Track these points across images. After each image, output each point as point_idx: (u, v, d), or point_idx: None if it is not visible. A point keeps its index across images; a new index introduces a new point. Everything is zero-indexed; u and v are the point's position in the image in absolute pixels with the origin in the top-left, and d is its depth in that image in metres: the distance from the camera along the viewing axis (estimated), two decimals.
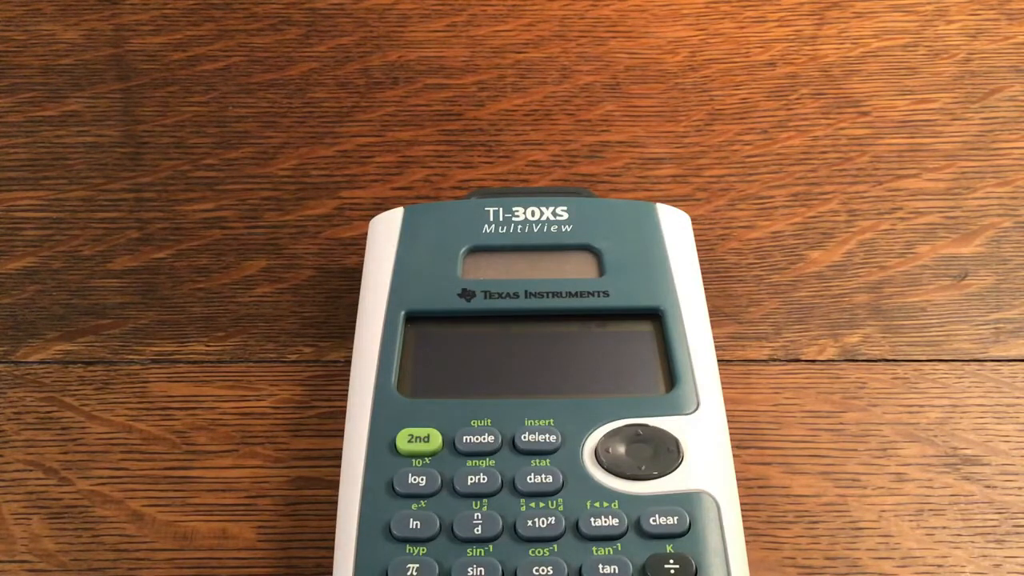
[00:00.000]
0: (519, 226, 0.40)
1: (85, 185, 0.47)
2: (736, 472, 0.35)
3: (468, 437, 0.34)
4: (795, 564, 0.36)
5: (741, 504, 0.34)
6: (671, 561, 0.32)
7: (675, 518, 0.32)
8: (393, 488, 0.33)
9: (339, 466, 0.35)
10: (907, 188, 0.47)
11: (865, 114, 0.49)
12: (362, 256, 0.41)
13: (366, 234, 0.42)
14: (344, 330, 0.41)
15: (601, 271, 0.39)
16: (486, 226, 0.40)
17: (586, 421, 0.35)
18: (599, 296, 0.38)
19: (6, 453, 0.39)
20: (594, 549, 0.32)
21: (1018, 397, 0.40)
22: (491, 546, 0.32)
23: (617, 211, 0.41)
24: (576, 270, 0.39)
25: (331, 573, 0.32)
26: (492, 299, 0.38)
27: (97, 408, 0.40)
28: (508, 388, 0.36)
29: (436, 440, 0.34)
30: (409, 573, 0.32)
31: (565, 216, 0.41)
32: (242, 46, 0.52)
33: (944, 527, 0.37)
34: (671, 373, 0.36)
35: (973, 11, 0.53)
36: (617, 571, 0.31)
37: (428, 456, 0.34)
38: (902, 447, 0.39)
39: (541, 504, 0.33)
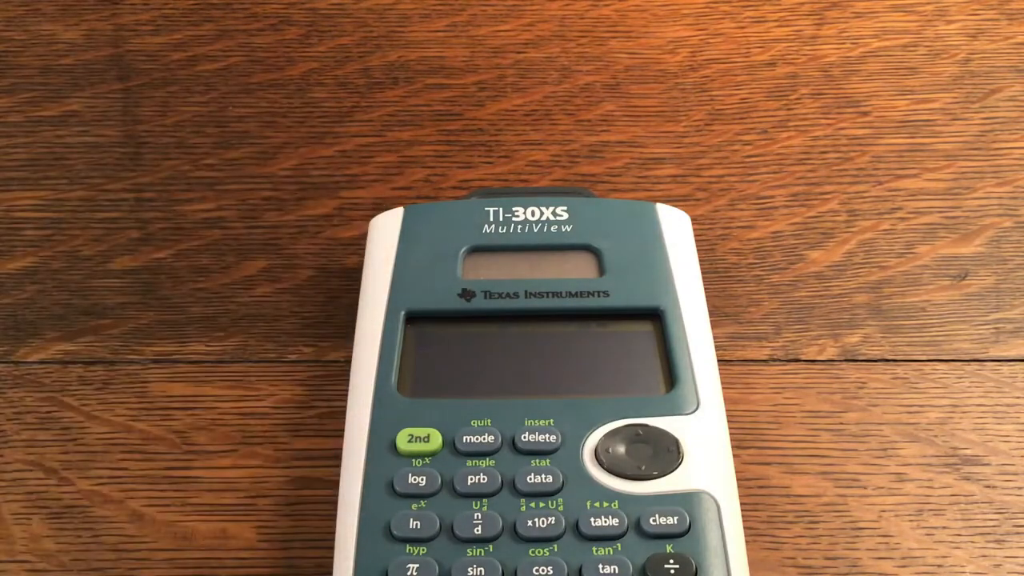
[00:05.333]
0: (519, 226, 0.40)
1: (85, 185, 0.47)
2: (736, 472, 0.35)
3: (468, 437, 0.34)
4: (795, 564, 0.36)
5: (741, 504, 0.34)
6: (671, 561, 0.32)
7: (675, 518, 0.32)
8: (393, 488, 0.33)
9: (339, 466, 0.35)
10: (907, 188, 0.47)
11: (865, 114, 0.49)
12: (362, 256, 0.41)
13: (366, 234, 0.42)
14: (344, 330, 0.41)
15: (601, 271, 0.39)
16: (486, 226, 0.40)
17: (586, 421, 0.35)
18: (599, 296, 0.38)
19: (6, 453, 0.39)
20: (594, 549, 0.32)
21: (1018, 397, 0.40)
22: (491, 546, 0.32)
23: (617, 211, 0.41)
24: (576, 270, 0.39)
25: (331, 573, 0.32)
26: (492, 299, 0.38)
27: (97, 408, 0.40)
28: (508, 388, 0.36)
29: (436, 440, 0.34)
30: (409, 573, 0.32)
31: (565, 216, 0.41)
32: (242, 46, 0.52)
33: (944, 527, 0.37)
34: (671, 373, 0.36)
35: (973, 11, 0.53)
36: (617, 571, 0.31)
37: (428, 456, 0.34)
38: (902, 447, 0.39)
39: (541, 504, 0.33)
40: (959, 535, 0.37)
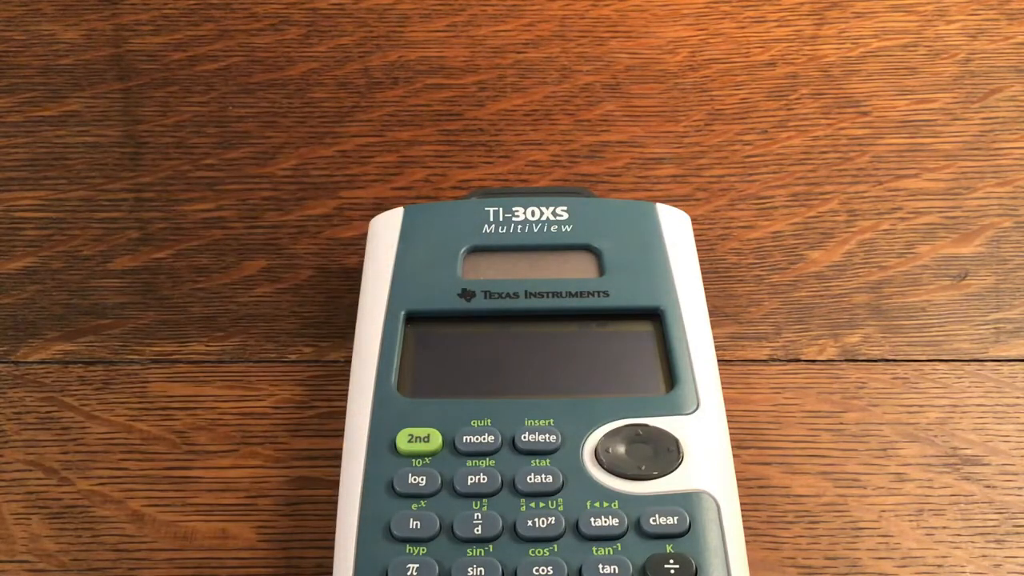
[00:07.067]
0: (519, 226, 0.40)
1: (85, 185, 0.47)
2: (736, 472, 0.35)
3: (468, 437, 0.34)
4: (795, 564, 0.36)
5: (741, 504, 0.34)
6: (671, 561, 0.32)
7: (675, 518, 0.32)
8: (393, 488, 0.33)
9: (339, 466, 0.35)
10: (907, 188, 0.47)
11: (865, 114, 0.49)
12: (362, 256, 0.41)
13: (366, 234, 0.42)
14: (344, 330, 0.41)
15: (601, 271, 0.39)
16: (486, 226, 0.40)
17: (586, 421, 0.35)
18: (599, 296, 0.38)
19: (6, 453, 0.39)
20: (594, 549, 0.32)
21: (1018, 397, 0.40)
22: (491, 546, 0.32)
23: (617, 211, 0.41)
24: (576, 270, 0.39)
25: (331, 573, 0.32)
26: (492, 299, 0.38)
27: (97, 408, 0.40)
28: (508, 388, 0.36)
29: (436, 440, 0.34)
30: (409, 573, 0.32)
31: (565, 216, 0.41)
32: (242, 46, 0.52)
33: (944, 527, 0.37)
34: (671, 373, 0.36)
35: (973, 11, 0.53)
36: (617, 571, 0.31)
37: (428, 456, 0.34)
38: (902, 447, 0.39)
39: (541, 504, 0.33)
40: (959, 535, 0.37)
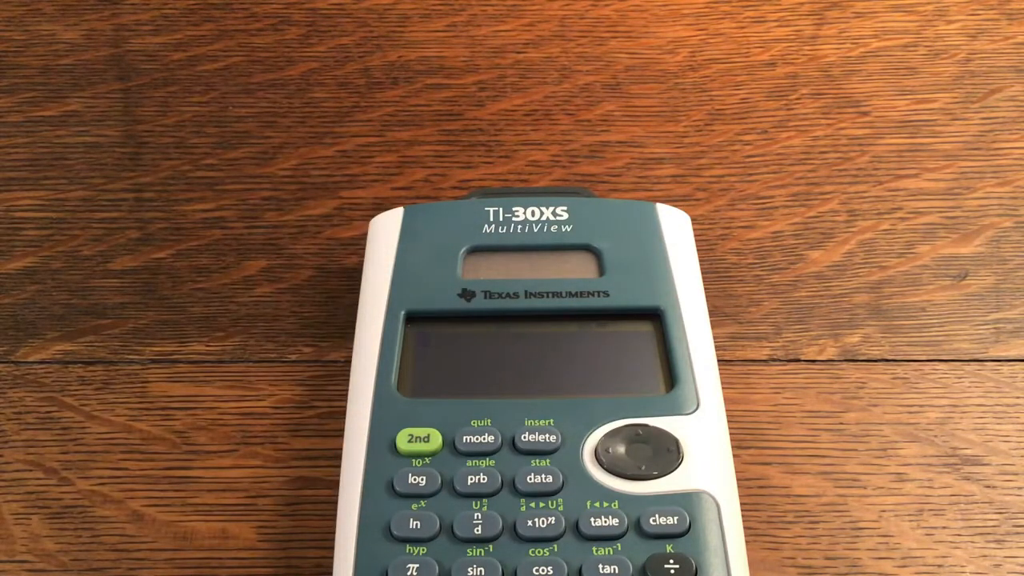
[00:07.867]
0: (519, 226, 0.40)
1: (85, 185, 0.47)
2: (736, 472, 0.35)
3: (468, 437, 0.34)
4: (795, 564, 0.36)
5: (741, 504, 0.34)
6: (671, 561, 0.32)
7: (675, 518, 0.32)
8: (393, 488, 0.33)
9: (339, 466, 0.35)
10: (907, 188, 0.47)
11: (865, 114, 0.49)
12: (362, 256, 0.41)
13: (366, 234, 0.42)
14: (344, 330, 0.41)
15: (601, 271, 0.39)
16: (486, 226, 0.40)
17: (586, 421, 0.35)
18: (599, 296, 0.38)
19: (6, 453, 0.39)
20: (594, 549, 0.32)
21: (1018, 397, 0.40)
22: (491, 546, 0.32)
23: (617, 211, 0.41)
24: (576, 270, 0.39)
25: (331, 573, 0.32)
26: (492, 299, 0.38)
27: (97, 408, 0.40)
28: (508, 388, 0.36)
29: (436, 440, 0.34)
30: (409, 573, 0.32)
31: (565, 216, 0.41)
32: (242, 46, 0.52)
33: (944, 527, 0.37)
34: (671, 373, 0.36)
35: (973, 11, 0.53)
36: (617, 571, 0.31)
37: (428, 456, 0.34)
38: (902, 447, 0.39)
39: (541, 504, 0.33)
40: (959, 535, 0.37)
